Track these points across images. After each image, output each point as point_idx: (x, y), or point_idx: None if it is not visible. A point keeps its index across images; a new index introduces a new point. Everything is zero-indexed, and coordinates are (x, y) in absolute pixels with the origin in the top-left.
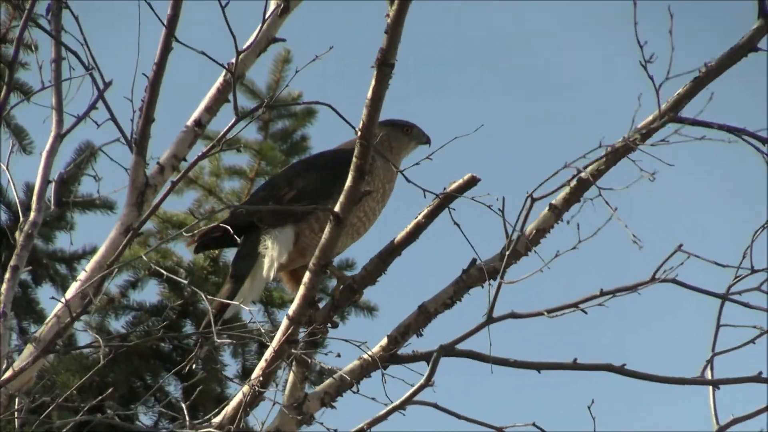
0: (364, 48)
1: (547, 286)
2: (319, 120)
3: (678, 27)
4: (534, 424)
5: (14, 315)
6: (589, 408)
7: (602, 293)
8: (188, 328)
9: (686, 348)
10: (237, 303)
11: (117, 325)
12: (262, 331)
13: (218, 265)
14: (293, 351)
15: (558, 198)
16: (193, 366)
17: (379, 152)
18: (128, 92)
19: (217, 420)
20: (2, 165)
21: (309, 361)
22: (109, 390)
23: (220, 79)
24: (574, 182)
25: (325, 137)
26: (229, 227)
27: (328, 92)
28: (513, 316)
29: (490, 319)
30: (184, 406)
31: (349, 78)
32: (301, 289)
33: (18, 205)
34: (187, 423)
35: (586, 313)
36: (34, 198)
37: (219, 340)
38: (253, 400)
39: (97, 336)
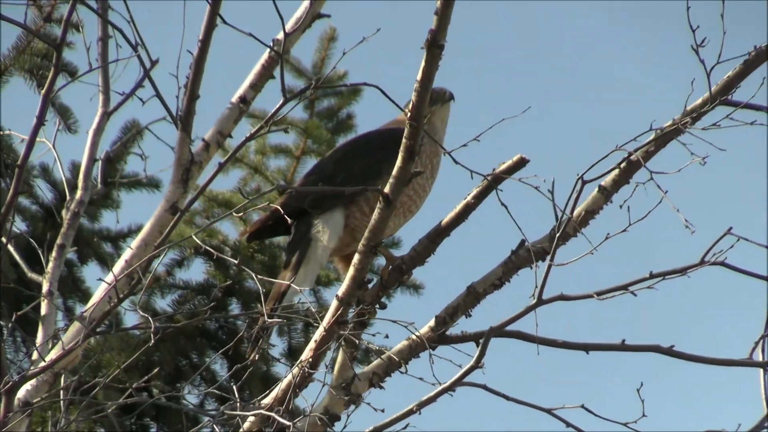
0: (410, 25)
1: (595, 267)
2: (364, 98)
3: (730, 11)
4: (582, 406)
5: (60, 294)
6: (638, 391)
7: (652, 276)
8: (234, 306)
9: (735, 331)
10: (293, 286)
11: (162, 303)
12: (311, 310)
13: (264, 244)
14: (342, 332)
15: (607, 179)
16: (250, 355)
17: (427, 133)
18: (173, 70)
19: (266, 401)
20: (48, 143)
21: (357, 341)
22: (155, 370)
23: (265, 56)
24: (624, 164)
25: (371, 115)
26: (280, 208)
27: (373, 69)
28: (562, 298)
29: (539, 301)
30: (234, 388)
31: (394, 56)
32: (351, 270)
33: (64, 184)
34: (238, 404)
35: (635, 295)
36: (81, 176)
37: (269, 320)
38: (302, 382)
39: (147, 316)
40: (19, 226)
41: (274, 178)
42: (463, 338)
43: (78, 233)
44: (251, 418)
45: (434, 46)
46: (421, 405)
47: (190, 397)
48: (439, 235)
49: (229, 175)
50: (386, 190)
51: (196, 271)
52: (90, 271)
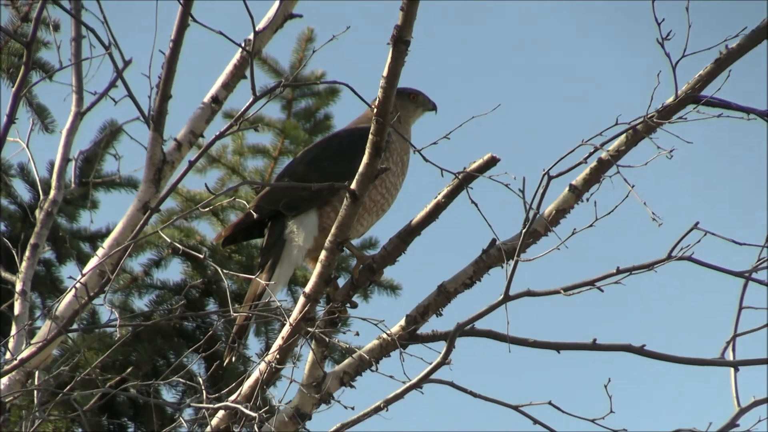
0: (387, 25)
1: (567, 267)
2: (342, 99)
3: (694, 4)
4: (550, 403)
5: (38, 293)
6: (605, 387)
7: (618, 271)
8: (211, 306)
9: (704, 327)
10: (264, 284)
11: (141, 303)
12: (281, 309)
13: (241, 245)
14: (310, 329)
15: (578, 179)
16: (227, 356)
17: (394, 128)
18: (146, 70)
19: (233, 397)
20: (22, 143)
21: (327, 340)
22: (130, 368)
23: (237, 56)
24: (594, 163)
25: (349, 115)
26: (253, 212)
27: (353, 70)
28: (529, 294)
29: (506, 297)
30: (201, 380)
31: (374, 55)
32: (318, 267)
33: (38, 184)
34: (204, 397)
35: (602, 291)
36: (54, 176)
37: (234, 313)
38: (270, 378)
39: (115, 314)
40: None
41: (252, 178)
42: (434, 337)
43: (56, 233)
44: (220, 414)
45: (400, 42)
46: (389, 402)
47: (168, 396)
48: (409, 234)
49: (207, 175)
50: (353, 186)
51: (174, 272)
52: (68, 271)
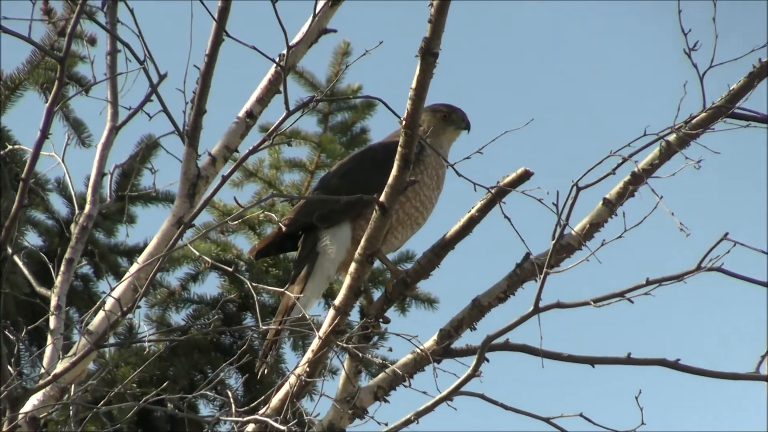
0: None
1: (598, 280)
2: (378, 112)
3: (721, 13)
4: (581, 415)
5: (76, 309)
6: (636, 399)
7: (648, 282)
8: (248, 320)
9: (735, 339)
10: (294, 299)
11: (177, 317)
12: (311, 322)
13: (278, 258)
14: (339, 342)
15: (611, 192)
16: (259, 368)
17: (427, 142)
18: (181, 85)
19: (263, 410)
20: (58, 157)
21: (360, 355)
22: (166, 382)
23: (272, 71)
24: (627, 177)
25: (385, 129)
26: (282, 225)
27: (392, 83)
28: (559, 306)
29: (536, 309)
30: (230, 393)
31: (409, 68)
32: (347, 279)
33: (73, 198)
34: (233, 410)
35: (632, 302)
36: (89, 191)
37: (263, 327)
38: (300, 391)
39: (144, 328)
40: (34, 240)
41: (289, 192)
42: (468, 351)
43: (94, 248)
44: (250, 428)
45: (428, 54)
46: (419, 414)
47: (205, 411)
48: (443, 248)
49: (243, 189)
50: (381, 198)
51: (211, 286)
52: (106, 286)
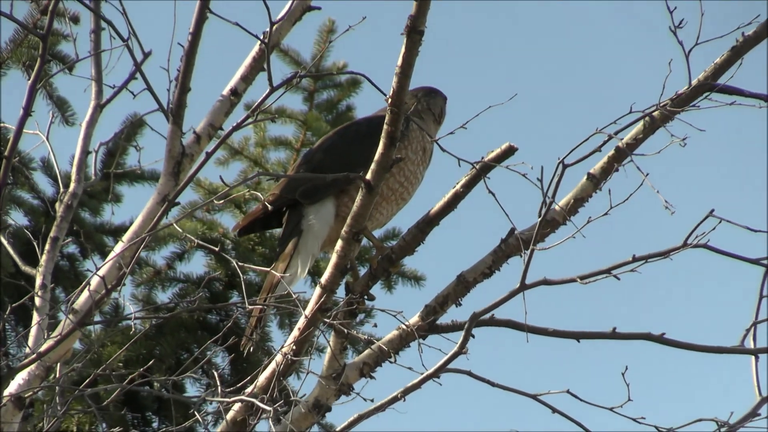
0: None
1: (584, 257)
2: (364, 90)
3: None
4: (568, 392)
5: (62, 288)
6: (623, 375)
7: (634, 259)
8: (235, 299)
9: (719, 315)
10: (280, 277)
11: (164, 296)
12: (296, 300)
13: (264, 236)
14: (326, 320)
15: (596, 167)
16: (244, 346)
17: (412, 119)
18: (165, 63)
19: (250, 389)
20: (42, 136)
21: (346, 331)
22: (152, 361)
23: (256, 48)
24: (612, 152)
25: (371, 107)
26: (267, 204)
27: (378, 61)
28: (546, 282)
29: (523, 286)
30: (216, 374)
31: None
32: (334, 257)
33: (58, 177)
34: (219, 391)
35: (618, 279)
36: (74, 169)
37: (250, 306)
38: (286, 369)
39: (130, 308)
40: (20, 219)
41: (275, 170)
42: (453, 327)
43: (80, 227)
44: (237, 406)
45: (414, 32)
46: (406, 392)
47: (192, 390)
48: (428, 224)
49: (229, 167)
50: (368, 176)
51: (197, 265)
52: (92, 266)
